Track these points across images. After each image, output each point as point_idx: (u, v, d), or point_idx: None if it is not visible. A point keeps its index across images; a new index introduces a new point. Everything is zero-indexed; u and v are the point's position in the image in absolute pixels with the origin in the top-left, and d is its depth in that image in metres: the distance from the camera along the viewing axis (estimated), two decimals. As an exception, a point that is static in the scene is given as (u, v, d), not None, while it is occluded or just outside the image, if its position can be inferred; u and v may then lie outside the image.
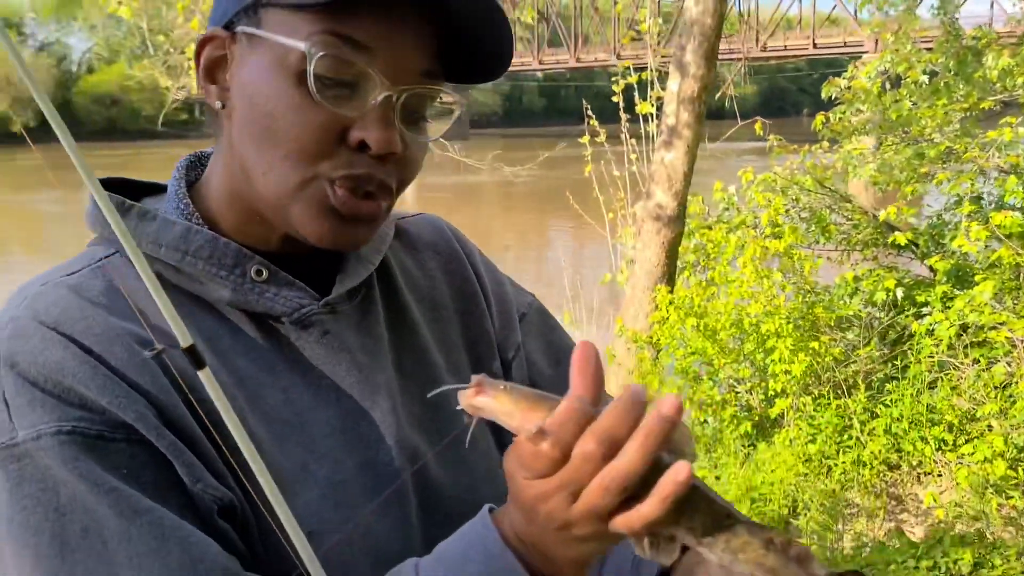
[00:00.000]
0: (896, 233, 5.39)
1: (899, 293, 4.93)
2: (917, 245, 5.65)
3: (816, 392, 4.63)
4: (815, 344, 4.53)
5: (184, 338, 0.66)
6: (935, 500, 3.75)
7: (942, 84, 5.95)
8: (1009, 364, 4.25)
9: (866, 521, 4.08)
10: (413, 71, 0.79)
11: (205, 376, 0.67)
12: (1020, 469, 3.87)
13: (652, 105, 6.25)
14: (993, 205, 5.51)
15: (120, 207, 0.82)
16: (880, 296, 4.98)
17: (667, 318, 4.84)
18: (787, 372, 4.44)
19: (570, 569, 0.70)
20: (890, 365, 4.82)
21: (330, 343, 0.85)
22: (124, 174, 0.93)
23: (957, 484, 3.88)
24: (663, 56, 6.44)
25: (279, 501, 0.69)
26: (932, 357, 4.50)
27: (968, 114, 5.87)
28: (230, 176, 0.84)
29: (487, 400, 0.64)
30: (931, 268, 5.21)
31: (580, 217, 7.42)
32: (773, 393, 4.61)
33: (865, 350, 4.85)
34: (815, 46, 46.14)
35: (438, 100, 0.83)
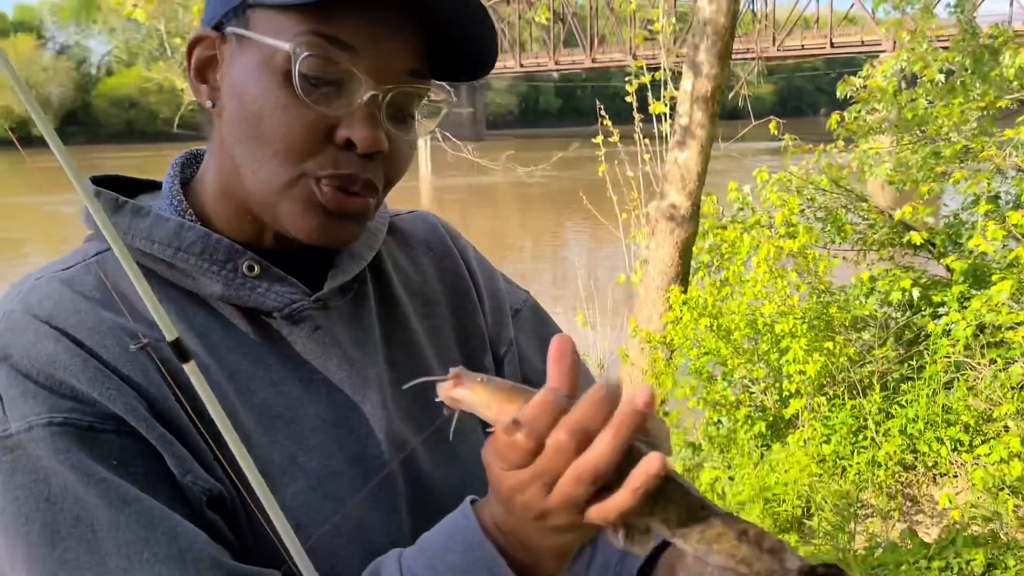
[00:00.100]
0: (912, 233, 5.36)
1: (915, 293, 4.91)
2: (934, 245, 5.61)
3: (831, 392, 4.61)
4: (829, 344, 4.51)
5: (169, 331, 0.67)
6: (950, 501, 3.72)
7: (958, 83, 5.90)
8: (1026, 364, 4.22)
9: (880, 522, 4.06)
10: (398, 70, 0.80)
11: (190, 369, 0.68)
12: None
13: (666, 105, 6.24)
14: (1010, 204, 5.47)
15: (114, 204, 0.84)
16: (896, 296, 4.95)
17: (680, 318, 4.83)
18: (801, 372, 4.42)
19: (550, 559, 0.71)
20: (906, 365, 4.79)
21: (321, 338, 0.86)
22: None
23: (973, 485, 3.85)
24: (677, 55, 6.44)
25: (265, 493, 0.69)
26: (948, 357, 4.47)
27: (985, 113, 5.83)
28: (222, 174, 0.85)
29: (464, 392, 0.65)
30: (948, 268, 5.18)
31: (595, 218, 7.42)
32: (787, 393, 4.59)
33: (881, 350, 4.82)
34: (832, 45, 45.89)
35: (426, 98, 0.84)
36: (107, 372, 0.74)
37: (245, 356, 0.83)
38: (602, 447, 0.61)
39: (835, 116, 6.38)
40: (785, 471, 4.19)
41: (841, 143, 6.58)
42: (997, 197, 5.60)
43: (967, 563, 2.89)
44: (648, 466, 0.61)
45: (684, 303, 4.86)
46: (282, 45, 0.77)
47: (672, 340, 4.99)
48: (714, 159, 5.45)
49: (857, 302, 5.20)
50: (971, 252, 5.06)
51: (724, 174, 8.31)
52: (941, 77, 6.05)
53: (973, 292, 4.62)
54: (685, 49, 5.49)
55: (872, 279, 5.26)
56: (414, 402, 0.90)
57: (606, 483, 0.62)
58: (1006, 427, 4.14)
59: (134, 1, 5.54)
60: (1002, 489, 3.81)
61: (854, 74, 6.80)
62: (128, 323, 0.76)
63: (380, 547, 0.78)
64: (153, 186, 0.93)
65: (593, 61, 54.88)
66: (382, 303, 0.95)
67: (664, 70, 6.39)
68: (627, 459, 0.62)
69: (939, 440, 4.25)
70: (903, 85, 6.45)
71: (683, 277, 5.37)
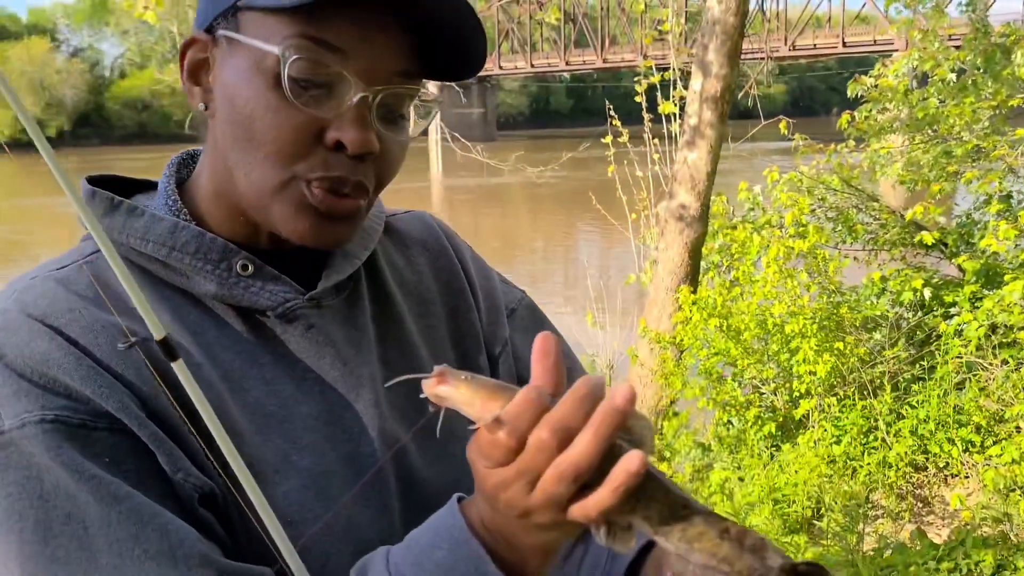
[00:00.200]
0: (924, 232, 5.33)
1: (927, 293, 4.88)
2: (946, 244, 5.59)
3: (841, 393, 4.59)
4: (840, 345, 4.49)
5: (157, 330, 0.68)
6: (961, 502, 3.70)
7: (970, 82, 5.87)
8: (1039, 365, 4.19)
9: (891, 523, 4.04)
10: (388, 71, 0.80)
11: (179, 368, 0.68)
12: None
13: (675, 105, 6.23)
14: (1022, 204, 5.43)
15: (109, 203, 0.85)
16: (907, 296, 4.93)
17: (690, 318, 4.82)
18: (812, 373, 4.41)
19: (535, 556, 0.71)
20: (917, 366, 4.77)
21: (315, 337, 0.87)
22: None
23: (984, 486, 3.83)
24: (688, 55, 6.42)
25: (255, 491, 0.70)
26: (960, 358, 4.45)
27: (997, 112, 5.80)
28: (216, 175, 0.86)
29: (448, 389, 0.65)
30: (960, 268, 5.15)
31: (605, 218, 7.42)
32: (797, 394, 4.58)
33: (892, 351, 4.80)
34: (845, 44, 45.73)
35: (417, 99, 0.85)
36: (100, 370, 0.75)
37: (239, 355, 0.83)
38: (583, 445, 0.61)
39: (845, 116, 6.36)
40: (795, 472, 4.17)
41: (852, 143, 6.55)
42: (1009, 196, 5.57)
43: (976, 564, 2.88)
44: (628, 464, 0.61)
45: (694, 303, 4.85)
46: (271, 48, 0.77)
47: (682, 340, 4.99)
48: (724, 159, 5.44)
49: (868, 302, 5.18)
50: (983, 252, 5.04)
51: (735, 174, 8.29)
52: (953, 76, 6.02)
53: (985, 292, 4.59)
54: (695, 49, 5.48)
55: (883, 279, 5.23)
56: (407, 401, 0.90)
57: (588, 481, 0.62)
58: (1018, 428, 4.11)
59: (145, 3, 5.57)
60: (1013, 490, 3.79)
61: (867, 73, 6.77)
62: (122, 321, 0.76)
63: (371, 544, 0.78)
64: (149, 186, 0.94)
65: (604, 61, 54.85)
66: (377, 302, 0.95)
67: (673, 70, 6.38)
68: (609, 457, 0.62)
69: (950, 441, 4.23)
70: (914, 84, 6.42)
71: (693, 277, 5.36)
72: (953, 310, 4.84)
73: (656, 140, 6.51)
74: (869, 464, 4.25)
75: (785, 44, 45.86)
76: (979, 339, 4.36)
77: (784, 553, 0.64)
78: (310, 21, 0.77)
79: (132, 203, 0.85)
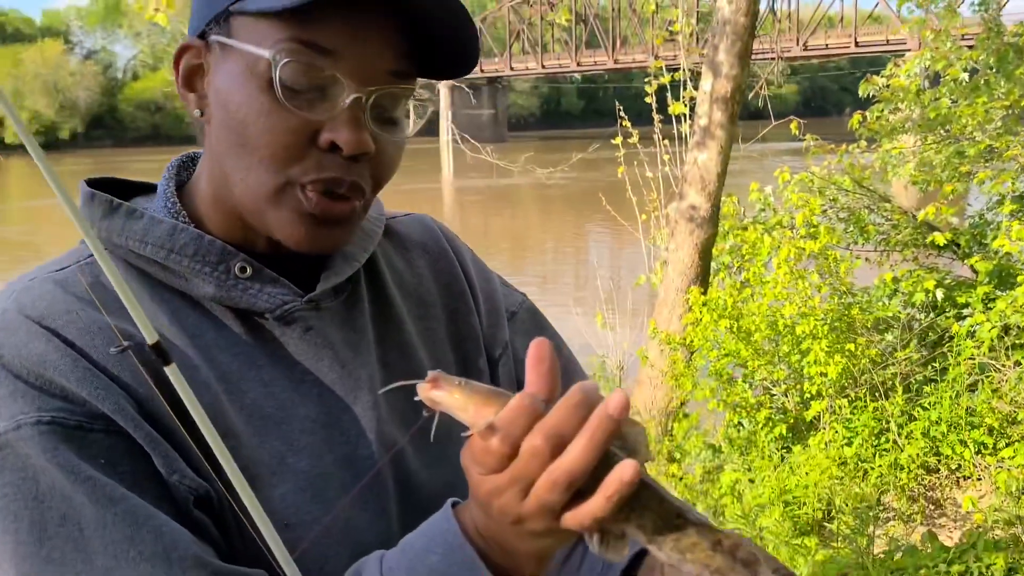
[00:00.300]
0: (936, 233, 5.30)
1: (939, 294, 4.85)
2: (958, 245, 5.56)
3: (853, 395, 4.57)
4: (851, 346, 4.47)
5: (150, 335, 0.68)
6: (974, 505, 3.68)
7: (982, 82, 5.84)
8: (1052, 366, 4.16)
9: (902, 525, 4.02)
10: (381, 71, 0.80)
11: (171, 372, 0.69)
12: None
13: (685, 106, 6.22)
14: (1036, 204, 5.40)
15: (108, 206, 0.85)
16: (920, 297, 4.91)
17: (700, 320, 4.81)
18: (823, 374, 4.39)
19: (529, 563, 0.70)
20: (929, 367, 4.74)
21: (313, 339, 0.87)
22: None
23: (997, 488, 3.81)
24: (699, 55, 6.41)
25: (248, 494, 0.70)
26: (972, 359, 4.42)
27: (1009, 112, 5.76)
28: (214, 180, 0.86)
29: (442, 395, 0.65)
30: (972, 269, 5.12)
31: (616, 219, 7.41)
32: (808, 395, 4.56)
33: (904, 352, 4.77)
34: (857, 44, 45.57)
35: (412, 98, 0.85)
36: (96, 372, 0.75)
37: (236, 357, 0.83)
38: (576, 453, 0.61)
39: (856, 116, 6.33)
40: (806, 474, 4.15)
41: (864, 143, 6.53)
42: (1022, 197, 5.53)
43: (988, 568, 2.86)
44: (622, 473, 0.60)
45: (704, 304, 4.83)
46: (262, 52, 0.77)
47: (692, 342, 4.97)
48: (735, 160, 5.43)
49: (880, 303, 5.15)
50: (996, 253, 5.01)
51: (746, 175, 8.28)
52: (965, 76, 5.99)
53: (998, 293, 4.56)
54: (705, 49, 5.48)
55: (895, 280, 5.20)
56: (407, 404, 0.89)
57: (582, 488, 0.62)
58: (1031, 430, 4.08)
59: (155, 5, 5.60)
60: (1025, 493, 3.76)
61: (879, 74, 6.74)
62: (119, 324, 0.76)
63: (369, 547, 0.78)
64: (149, 189, 0.94)
65: (615, 62, 54.80)
66: (376, 304, 0.95)
67: (684, 71, 6.37)
68: (604, 464, 0.61)
69: (962, 443, 4.20)
70: (926, 84, 6.39)
71: (703, 278, 5.34)
72: (966, 311, 4.81)
73: (666, 141, 6.50)
74: (880, 466, 4.23)
75: (797, 44, 45.73)
76: (992, 340, 4.33)
77: (779, 566, 0.63)
78: (300, 24, 0.77)
79: (131, 205, 0.86)
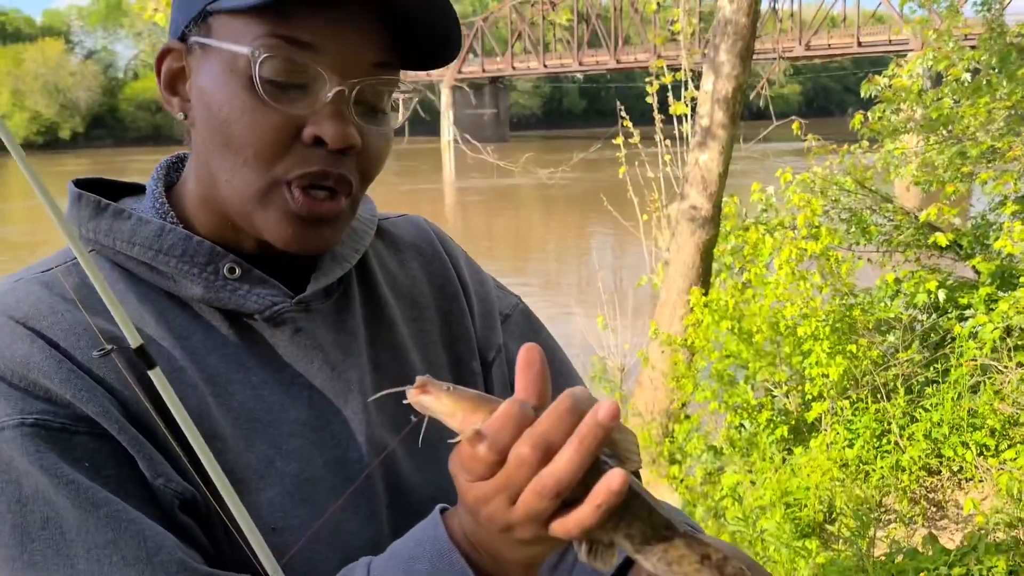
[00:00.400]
0: (938, 234, 5.29)
1: (941, 295, 4.84)
2: (960, 246, 5.54)
3: (854, 396, 4.56)
4: (853, 347, 4.46)
5: (134, 338, 0.67)
6: (975, 507, 3.67)
7: (984, 82, 5.83)
8: (1054, 368, 4.15)
9: (903, 527, 4.01)
10: (363, 64, 0.79)
11: (155, 376, 0.68)
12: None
13: (687, 106, 6.21)
14: (1038, 205, 5.38)
15: (96, 207, 0.84)
16: (922, 298, 4.89)
17: (701, 321, 4.80)
18: (824, 376, 4.38)
19: (517, 570, 0.70)
20: (931, 369, 4.73)
21: (302, 340, 0.86)
22: None
23: (999, 490, 3.80)
24: (702, 54, 6.40)
25: (232, 497, 0.69)
26: (974, 360, 4.40)
27: (1012, 112, 5.75)
28: (201, 181, 0.85)
29: (430, 400, 0.64)
30: (975, 269, 5.11)
31: (617, 220, 7.40)
32: (810, 397, 4.55)
33: (905, 353, 4.76)
34: (860, 44, 45.56)
35: (397, 90, 0.84)
36: (81, 374, 0.74)
37: (224, 359, 0.83)
38: (564, 461, 0.60)
39: (858, 116, 6.32)
40: (807, 475, 4.14)
41: (866, 143, 6.52)
42: (1024, 197, 5.52)
43: (988, 570, 2.85)
44: (610, 482, 0.60)
45: (705, 305, 4.82)
46: (241, 49, 0.77)
47: (693, 343, 4.96)
48: (737, 160, 5.42)
49: (882, 304, 5.14)
50: (998, 253, 5.00)
51: (748, 175, 8.27)
52: (967, 76, 5.98)
53: (1000, 294, 4.55)
54: (707, 49, 5.47)
55: (897, 281, 5.19)
56: (397, 407, 0.89)
57: (571, 496, 0.61)
58: (1033, 431, 4.07)
59: (155, 5, 5.61)
60: (1027, 494, 3.75)
61: (882, 73, 6.73)
62: (105, 325, 0.76)
63: (359, 552, 0.78)
64: (138, 190, 0.94)
65: (617, 61, 54.81)
66: (368, 306, 0.94)
67: (685, 71, 6.36)
68: (593, 472, 0.61)
69: (964, 445, 4.19)
70: (929, 84, 6.37)
71: (704, 279, 5.33)
72: (968, 312, 4.80)
73: (668, 141, 6.49)
74: (882, 468, 4.22)
75: (799, 44, 45.73)
76: (994, 341, 4.31)
77: None
78: (278, 19, 0.76)
79: (119, 206, 0.85)
